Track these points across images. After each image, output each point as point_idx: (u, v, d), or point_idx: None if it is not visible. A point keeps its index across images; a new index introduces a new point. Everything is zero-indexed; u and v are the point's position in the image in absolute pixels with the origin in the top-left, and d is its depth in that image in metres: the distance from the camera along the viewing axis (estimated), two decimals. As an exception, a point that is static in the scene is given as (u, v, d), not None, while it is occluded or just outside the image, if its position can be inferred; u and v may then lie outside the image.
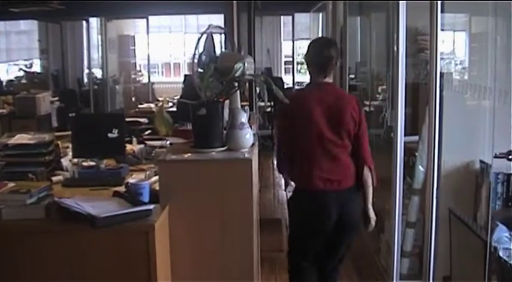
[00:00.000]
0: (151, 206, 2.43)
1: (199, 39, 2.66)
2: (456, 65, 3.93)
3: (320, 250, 2.99)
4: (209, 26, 2.74)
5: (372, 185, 2.90)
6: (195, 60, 2.64)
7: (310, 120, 2.83)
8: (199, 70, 2.64)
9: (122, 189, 2.80)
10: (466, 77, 3.70)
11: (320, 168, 2.83)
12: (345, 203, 2.85)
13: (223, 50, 4.54)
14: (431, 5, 2.70)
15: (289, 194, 3.03)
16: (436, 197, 2.81)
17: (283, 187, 2.88)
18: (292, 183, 2.99)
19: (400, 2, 3.17)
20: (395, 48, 3.26)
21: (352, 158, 2.89)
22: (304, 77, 10.28)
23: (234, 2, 5.42)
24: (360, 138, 2.89)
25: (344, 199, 2.84)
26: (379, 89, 5.93)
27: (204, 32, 2.69)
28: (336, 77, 6.15)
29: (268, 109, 9.01)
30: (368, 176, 2.89)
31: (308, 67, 2.98)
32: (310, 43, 3.04)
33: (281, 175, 2.88)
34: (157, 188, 2.60)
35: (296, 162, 2.90)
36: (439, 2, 2.67)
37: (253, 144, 2.76)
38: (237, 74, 2.56)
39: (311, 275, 3.03)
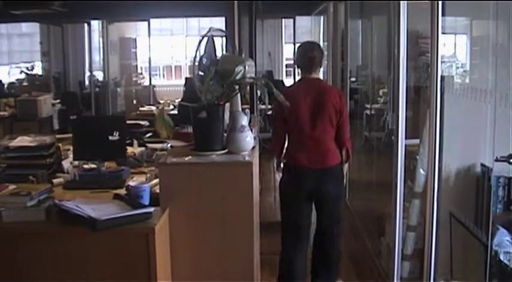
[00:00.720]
0: (152, 209, 2.43)
1: (200, 42, 2.66)
2: (457, 68, 3.92)
3: (316, 212, 3.48)
4: (210, 28, 2.75)
5: (346, 161, 3.53)
6: (196, 63, 2.64)
7: (298, 111, 3.29)
8: (200, 73, 2.65)
9: (122, 191, 2.80)
10: (467, 80, 3.69)
11: (306, 150, 3.33)
12: (326, 178, 3.34)
13: (224, 52, 4.54)
14: (432, 8, 2.69)
15: (280, 175, 3.55)
16: (437, 201, 2.81)
17: (276, 168, 3.70)
18: (282, 164, 3.51)
19: (401, 2, 3.16)
20: (396, 51, 3.26)
21: (335, 141, 3.40)
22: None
23: (235, 3, 5.41)
24: (342, 126, 3.40)
25: (325, 175, 3.34)
26: (380, 92, 5.94)
27: (205, 35, 2.70)
28: (337, 79, 6.16)
29: (269, 112, 8.99)
30: (345, 156, 3.48)
31: (297, 68, 3.52)
32: (298, 47, 3.56)
33: (274, 158, 3.57)
34: (158, 190, 2.60)
35: (287, 145, 3.40)
36: (440, 4, 2.66)
37: (253, 147, 2.76)
38: (237, 77, 2.56)
39: (304, 234, 3.45)
